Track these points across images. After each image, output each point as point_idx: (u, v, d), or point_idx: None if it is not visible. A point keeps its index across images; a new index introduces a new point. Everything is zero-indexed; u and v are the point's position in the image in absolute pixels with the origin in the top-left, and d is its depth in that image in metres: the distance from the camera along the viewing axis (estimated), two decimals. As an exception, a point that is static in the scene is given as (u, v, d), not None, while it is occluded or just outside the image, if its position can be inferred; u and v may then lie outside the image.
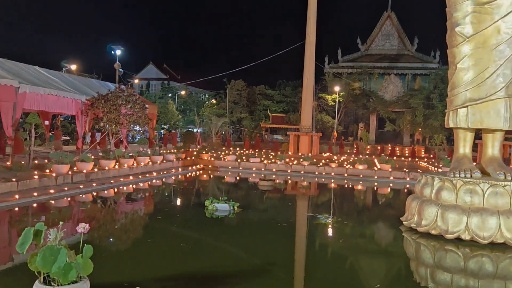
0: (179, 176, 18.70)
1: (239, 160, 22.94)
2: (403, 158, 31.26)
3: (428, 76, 41.51)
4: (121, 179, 15.10)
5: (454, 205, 8.16)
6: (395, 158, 29.48)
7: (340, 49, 45.35)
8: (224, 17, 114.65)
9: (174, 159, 20.82)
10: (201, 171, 20.99)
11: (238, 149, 31.47)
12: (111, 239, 8.15)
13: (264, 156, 25.07)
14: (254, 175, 20.36)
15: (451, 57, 8.93)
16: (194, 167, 21.51)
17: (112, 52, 34.50)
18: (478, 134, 14.83)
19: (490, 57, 8.34)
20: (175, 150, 24.13)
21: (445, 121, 9.24)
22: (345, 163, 22.74)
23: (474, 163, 9.37)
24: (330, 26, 78.77)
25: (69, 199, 11.73)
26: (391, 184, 18.90)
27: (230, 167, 22.22)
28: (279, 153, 28.02)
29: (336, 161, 23.14)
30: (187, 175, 19.40)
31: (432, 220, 8.30)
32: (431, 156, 33.19)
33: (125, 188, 14.36)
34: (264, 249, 7.62)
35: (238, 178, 19.68)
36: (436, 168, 20.99)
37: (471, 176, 8.30)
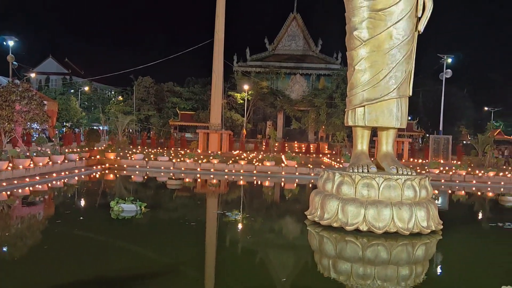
0: (83, 177, 17.78)
1: (146, 159, 22.38)
2: (308, 155, 32.59)
3: (331, 76, 43.73)
4: (15, 182, 13.99)
5: (353, 198, 8.70)
6: (301, 154, 30.65)
7: (249, 48, 46.14)
8: (133, 12, 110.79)
9: (77, 159, 19.74)
10: (106, 171, 20.14)
11: (146, 147, 30.66)
12: (3, 248, 7.51)
13: (173, 154, 24.70)
14: (162, 174, 19.98)
15: (350, 59, 9.48)
16: (99, 166, 20.58)
17: (5, 43, 31.82)
18: (375, 132, 15.92)
19: (384, 60, 8.98)
20: (78, 150, 22.88)
21: (345, 119, 9.81)
22: (254, 160, 23.17)
23: (372, 159, 10.06)
24: (239, 25, 79.69)
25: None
26: (297, 180, 19.63)
27: (137, 166, 21.60)
28: (188, 151, 27.77)
29: (245, 159, 23.49)
30: (92, 176, 18.50)
31: (333, 213, 8.77)
32: (334, 152, 35.04)
33: (20, 191, 13.32)
34: (173, 249, 7.53)
35: (146, 177, 19.19)
36: (338, 164, 22.20)
37: (368, 171, 8.90)
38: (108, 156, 22.47)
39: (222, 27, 31.60)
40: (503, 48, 78.25)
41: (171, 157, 23.29)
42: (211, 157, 22.92)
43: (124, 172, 20.44)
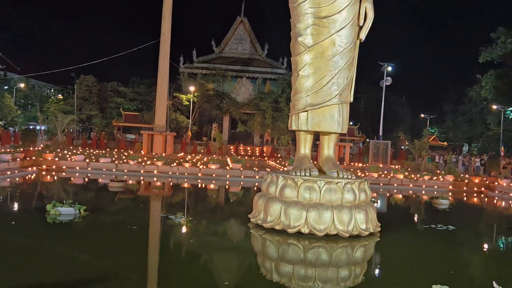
0: (17, 179, 16.88)
1: (87, 160, 21.61)
2: (253, 158, 32.81)
3: (276, 80, 44.34)
4: None
5: (295, 201, 8.84)
6: (246, 157, 30.81)
7: (195, 49, 45.82)
8: (76, 9, 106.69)
9: (10, 159, 18.71)
10: (43, 173, 19.24)
11: (87, 148, 29.61)
12: None
13: (115, 156, 24.03)
14: (104, 176, 19.38)
15: (294, 64, 9.65)
16: (35, 168, 19.62)
17: None
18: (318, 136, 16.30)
19: (327, 67, 9.22)
20: (12, 150, 21.72)
21: (289, 123, 9.97)
22: (199, 163, 23.01)
23: (315, 162, 10.28)
24: (186, 27, 78.91)
25: None
26: (242, 183, 19.70)
27: (77, 168, 20.81)
28: (131, 152, 27.12)
29: (190, 161, 23.28)
30: (26, 178, 17.61)
31: (276, 216, 8.88)
32: (279, 155, 35.49)
33: None
34: (114, 253, 7.31)
35: (86, 179, 18.53)
36: (283, 167, 22.51)
37: (310, 175, 9.09)
38: (45, 157, 21.48)
39: (168, 28, 31.21)
40: (439, 59, 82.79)
41: (113, 159, 22.64)
42: (155, 159, 22.51)
43: (63, 174, 19.62)
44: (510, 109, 43.73)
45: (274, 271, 6.90)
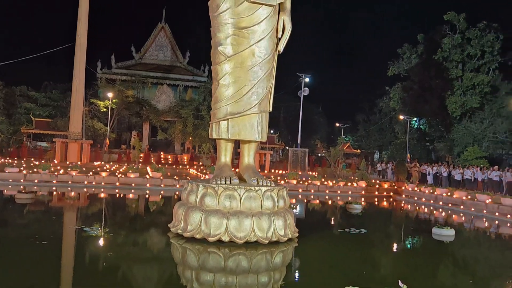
0: None
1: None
2: (174, 166, 32.35)
3: (198, 88, 44.17)
4: None
5: (216, 209, 8.87)
6: (167, 166, 30.30)
7: (114, 55, 44.25)
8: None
9: None
10: None
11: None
12: None
13: (24, 165, 22.50)
14: (10, 187, 18.05)
15: (215, 73, 9.72)
16: None
17: None
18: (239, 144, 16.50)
19: (246, 77, 9.39)
20: None
21: (209, 132, 10.00)
22: (117, 172, 22.25)
23: (236, 170, 10.38)
24: (104, 31, 75.86)
25: None
26: (162, 192, 19.34)
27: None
28: (43, 161, 25.55)
29: (108, 170, 22.43)
30: None
31: (196, 225, 8.84)
32: (200, 164, 35.33)
33: None
34: (21, 270, 6.84)
35: (-11, 191, 17.14)
36: (204, 175, 22.43)
37: (230, 183, 9.17)
38: None
39: (84, 31, 29.97)
40: (353, 71, 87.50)
41: (21, 168, 21.18)
42: (69, 168, 21.38)
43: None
44: (415, 119, 47.25)
45: (195, 280, 6.86)
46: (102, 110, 40.98)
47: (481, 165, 27.54)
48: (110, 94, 39.44)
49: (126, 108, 41.93)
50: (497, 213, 16.28)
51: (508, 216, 15.71)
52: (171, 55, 46.33)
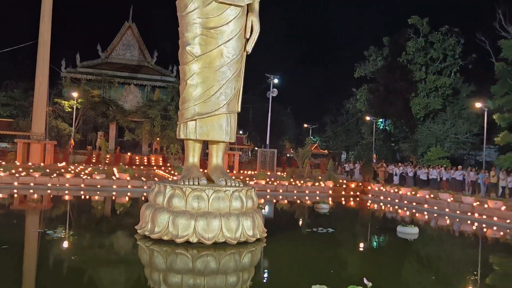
0: None
1: None
2: (142, 167, 31.90)
3: (166, 88, 43.68)
4: None
5: (183, 211, 8.80)
6: (134, 167, 29.84)
7: (79, 54, 43.21)
8: None
9: None
10: None
11: None
12: None
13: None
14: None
15: (182, 73, 9.65)
16: None
17: None
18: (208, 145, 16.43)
19: (215, 77, 9.36)
20: None
21: (177, 132, 9.92)
22: (82, 173, 21.77)
23: (205, 171, 10.34)
24: (69, 29, 73.93)
25: None
26: (129, 193, 19.04)
27: None
28: (3, 163, 24.70)
29: (72, 171, 21.90)
30: None
31: (164, 226, 8.74)
32: (168, 164, 34.97)
33: None
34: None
35: None
36: (172, 176, 22.22)
37: (198, 184, 9.12)
38: None
39: (48, 29, 29.15)
40: (321, 73, 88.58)
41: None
42: (31, 170, 20.75)
43: None
44: (381, 120, 48.25)
45: (163, 282, 6.79)
46: (66, 110, 39.97)
47: (444, 165, 28.37)
48: (75, 94, 38.50)
49: (92, 108, 41.02)
50: (458, 211, 16.84)
51: (469, 213, 16.28)
52: (139, 55, 45.66)
